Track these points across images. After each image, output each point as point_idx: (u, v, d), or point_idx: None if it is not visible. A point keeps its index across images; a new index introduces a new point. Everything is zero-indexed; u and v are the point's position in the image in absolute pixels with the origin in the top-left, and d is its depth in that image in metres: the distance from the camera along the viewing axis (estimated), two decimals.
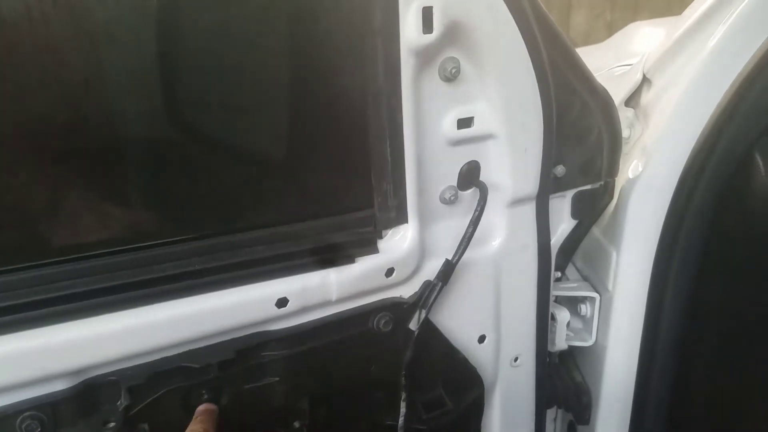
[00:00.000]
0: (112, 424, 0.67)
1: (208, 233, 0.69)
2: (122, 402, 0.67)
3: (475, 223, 0.79)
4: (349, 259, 0.76)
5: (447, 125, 0.76)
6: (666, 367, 1.03)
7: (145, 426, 0.69)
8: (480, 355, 0.91)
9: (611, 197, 0.99)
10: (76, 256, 0.63)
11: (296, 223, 0.75)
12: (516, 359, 0.96)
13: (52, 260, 0.62)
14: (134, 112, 0.64)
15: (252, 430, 0.78)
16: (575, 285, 1.07)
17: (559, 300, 1.05)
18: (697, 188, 0.92)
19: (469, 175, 0.81)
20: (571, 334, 1.07)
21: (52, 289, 0.62)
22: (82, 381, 0.66)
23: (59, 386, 0.64)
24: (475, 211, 0.79)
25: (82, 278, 0.63)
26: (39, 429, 0.64)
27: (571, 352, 1.17)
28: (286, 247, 0.74)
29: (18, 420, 0.63)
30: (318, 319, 0.77)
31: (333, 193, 0.78)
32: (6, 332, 0.60)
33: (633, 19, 2.17)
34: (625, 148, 1.00)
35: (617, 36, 2.09)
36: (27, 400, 0.63)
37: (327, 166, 0.76)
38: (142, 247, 0.66)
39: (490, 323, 0.91)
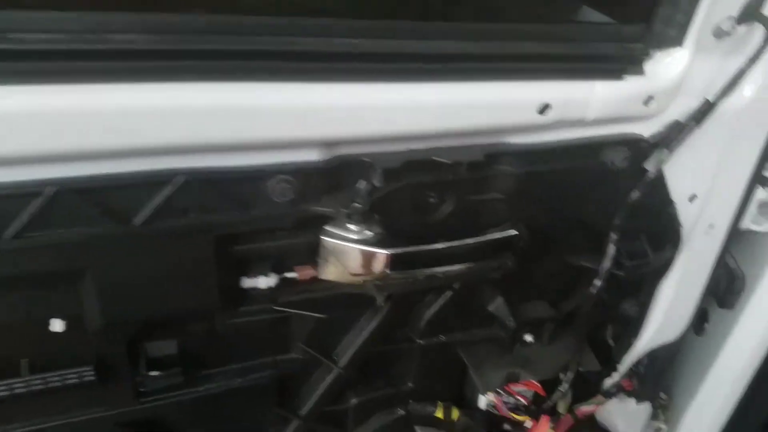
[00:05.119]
0: (357, 205, 0.63)
1: (472, 16, 0.62)
2: (371, 184, 0.63)
3: (753, 59, 0.70)
4: (616, 75, 0.69)
5: None
6: None
7: (377, 216, 0.65)
8: (685, 214, 0.86)
9: None
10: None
11: (565, 24, 0.67)
12: (711, 226, 0.91)
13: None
14: None
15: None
16: None
17: None
18: None
19: (753, 6, 0.71)
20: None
21: (309, 43, 0.55)
22: (337, 156, 0.61)
23: (313, 156, 0.60)
24: (761, 47, 0.70)
25: (353, 38, 0.56)
26: (291, 195, 0.60)
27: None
28: (553, 48, 0.66)
29: (271, 180, 0.59)
30: (560, 140, 0.71)
31: None
32: (271, 81, 0.54)
33: None
34: None
35: None
36: (284, 162, 0.59)
37: None
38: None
39: (705, 184, 0.84)
